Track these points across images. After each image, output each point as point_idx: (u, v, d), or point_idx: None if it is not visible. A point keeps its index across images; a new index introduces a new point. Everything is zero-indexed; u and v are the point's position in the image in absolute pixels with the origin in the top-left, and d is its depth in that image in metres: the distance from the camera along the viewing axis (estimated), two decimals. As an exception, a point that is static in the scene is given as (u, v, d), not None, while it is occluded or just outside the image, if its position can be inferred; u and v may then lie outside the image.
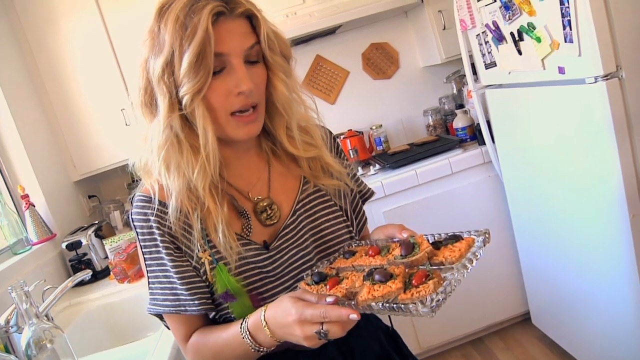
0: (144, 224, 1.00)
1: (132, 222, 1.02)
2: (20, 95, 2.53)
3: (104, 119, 2.75)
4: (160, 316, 1.06)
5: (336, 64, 3.22)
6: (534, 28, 1.87)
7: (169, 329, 1.08)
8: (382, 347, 1.13)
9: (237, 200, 1.05)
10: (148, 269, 1.02)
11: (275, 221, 1.06)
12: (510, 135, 2.42)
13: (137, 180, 3.15)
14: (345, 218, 1.13)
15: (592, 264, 2.06)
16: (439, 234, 0.96)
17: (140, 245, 1.01)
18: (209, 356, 1.01)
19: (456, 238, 0.92)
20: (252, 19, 0.95)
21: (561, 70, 1.83)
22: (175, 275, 0.98)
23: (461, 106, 3.02)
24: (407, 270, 0.86)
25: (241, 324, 0.94)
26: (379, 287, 0.82)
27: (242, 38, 0.93)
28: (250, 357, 0.96)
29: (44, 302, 1.66)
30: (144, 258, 1.02)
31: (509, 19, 1.99)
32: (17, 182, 2.41)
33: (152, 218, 0.99)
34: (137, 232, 1.01)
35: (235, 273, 0.99)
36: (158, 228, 0.99)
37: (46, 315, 1.64)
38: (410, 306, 0.77)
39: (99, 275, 2.36)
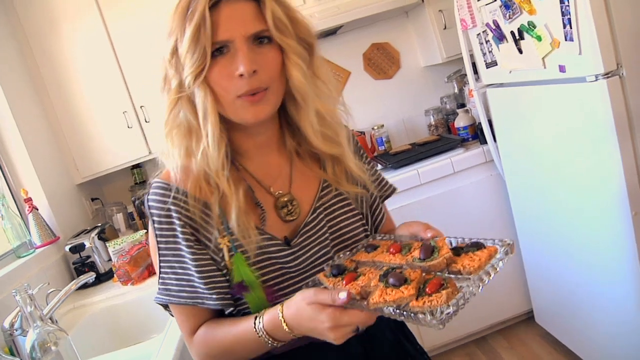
0: (162, 212, 0.98)
1: (149, 208, 1.00)
2: (23, 98, 2.54)
3: (106, 121, 2.76)
4: (165, 305, 1.05)
5: (337, 65, 3.23)
6: (535, 27, 1.87)
7: (172, 316, 1.08)
8: (394, 334, 1.13)
9: (257, 191, 1.04)
10: (162, 257, 0.99)
11: (295, 217, 1.05)
12: (511, 134, 2.42)
13: (140, 182, 3.13)
14: (361, 217, 1.12)
15: (595, 261, 2.06)
16: (462, 239, 0.94)
17: (156, 234, 0.99)
18: (217, 351, 1.00)
19: (478, 246, 0.90)
20: (259, 1, 0.93)
21: (562, 69, 1.83)
22: (193, 268, 0.97)
23: (462, 105, 3.02)
24: (423, 274, 0.85)
25: (255, 321, 0.93)
26: (392, 291, 0.81)
27: (245, 22, 0.92)
28: (262, 351, 0.96)
29: (48, 305, 1.67)
30: (159, 247, 0.99)
31: (510, 18, 1.99)
32: (20, 185, 2.42)
33: (171, 207, 0.97)
34: (153, 220, 0.99)
35: (255, 267, 0.98)
36: (178, 218, 0.97)
37: (50, 318, 1.65)
38: (420, 316, 0.77)
39: (103, 277, 2.37)
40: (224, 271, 0.99)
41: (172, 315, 1.07)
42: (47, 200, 2.45)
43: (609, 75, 1.69)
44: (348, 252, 1.02)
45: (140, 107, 2.77)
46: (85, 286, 2.26)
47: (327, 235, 1.06)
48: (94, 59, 2.71)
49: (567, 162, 2.04)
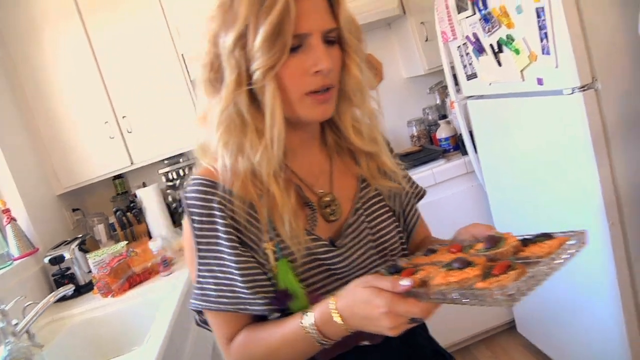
0: (203, 210, 0.92)
1: (188, 207, 0.93)
2: (2, 107, 2.52)
3: (88, 131, 2.75)
4: (198, 311, 0.99)
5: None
6: (513, 40, 1.90)
7: (200, 325, 1.03)
8: (422, 329, 1.12)
9: (303, 191, 1.00)
10: (201, 260, 0.93)
11: (337, 218, 1.01)
12: (492, 145, 2.45)
13: (122, 193, 3.09)
14: (395, 219, 1.10)
15: (575, 271, 2.08)
16: (530, 235, 0.88)
17: (196, 234, 0.93)
18: (259, 356, 0.94)
19: (547, 236, 0.84)
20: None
21: (539, 82, 1.86)
22: (236, 271, 0.91)
23: (444, 117, 3.05)
24: (489, 264, 0.79)
25: (302, 318, 0.87)
26: (455, 273, 0.76)
27: (323, 17, 0.89)
28: (309, 353, 0.91)
29: (25, 318, 1.65)
30: (198, 248, 0.93)
31: (489, 32, 2.02)
32: (-1, 196, 2.39)
33: (215, 205, 0.92)
34: (192, 219, 0.93)
35: (302, 269, 0.94)
36: (222, 217, 0.91)
37: (27, 332, 1.63)
38: (487, 292, 0.70)
39: (82, 289, 2.34)
40: (270, 275, 0.93)
41: (199, 324, 1.02)
42: (26, 211, 2.42)
43: (585, 88, 1.72)
44: (405, 258, 0.97)
45: (122, 117, 2.75)
46: (64, 298, 2.23)
47: (368, 236, 1.03)
48: (76, 68, 2.69)
49: (547, 173, 2.06)
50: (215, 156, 0.95)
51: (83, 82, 2.71)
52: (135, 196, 2.91)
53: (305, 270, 0.94)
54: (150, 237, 2.79)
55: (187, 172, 3.03)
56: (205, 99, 0.96)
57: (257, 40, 0.85)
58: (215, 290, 0.93)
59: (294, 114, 0.93)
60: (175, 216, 2.99)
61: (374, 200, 1.07)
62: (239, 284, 0.91)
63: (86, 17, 2.68)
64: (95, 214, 2.97)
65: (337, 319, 0.83)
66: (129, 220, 2.81)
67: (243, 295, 0.91)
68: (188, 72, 2.76)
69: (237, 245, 0.92)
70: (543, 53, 1.78)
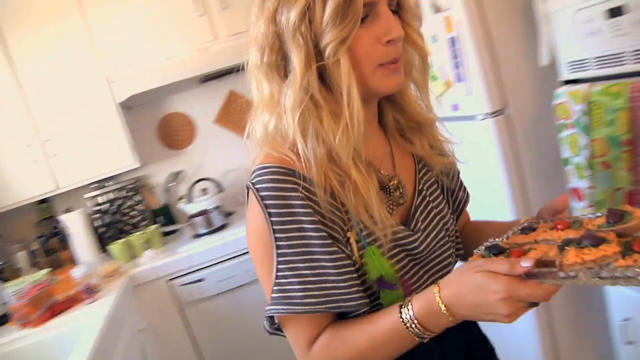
0: (283, 202, 0.83)
1: (263, 200, 0.84)
2: None
3: (9, 155, 2.65)
4: (271, 318, 0.90)
5: (250, 100, 3.25)
6: (431, 67, 1.98)
7: (273, 333, 0.93)
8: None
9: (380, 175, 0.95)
10: (280, 258, 0.85)
11: (404, 201, 0.97)
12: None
13: (47, 218, 2.97)
14: (445, 198, 1.07)
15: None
16: None
17: (274, 229, 0.84)
18: (347, 356, 0.85)
19: None
20: None
21: (455, 107, 1.95)
22: (328, 264, 0.83)
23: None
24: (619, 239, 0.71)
25: (400, 311, 0.80)
26: (590, 250, 0.67)
27: None
28: (404, 349, 0.84)
29: None
30: (278, 245, 0.84)
31: (409, 59, 2.10)
32: None
33: (297, 195, 0.83)
34: (270, 213, 0.84)
35: (387, 256, 0.88)
36: (305, 206, 0.83)
37: None
38: (638, 271, 0.62)
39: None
40: (357, 266, 0.87)
41: (272, 332, 0.93)
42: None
43: (496, 114, 1.82)
44: (497, 239, 0.87)
45: (46, 140, 2.68)
46: (-24, 332, 2.12)
47: (437, 219, 1.00)
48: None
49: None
50: (283, 143, 0.88)
51: (4, 105, 2.62)
52: (59, 222, 2.82)
53: (388, 258, 0.89)
54: (75, 264, 2.71)
55: (115, 196, 2.97)
56: (265, 85, 0.90)
57: (327, 13, 0.80)
58: (301, 290, 0.84)
59: (367, 88, 0.88)
60: (102, 241, 2.91)
61: (431, 181, 1.05)
62: (332, 278, 0.84)
63: (9, 40, 2.60)
64: (16, 240, 2.85)
65: (443, 309, 0.76)
66: (53, 247, 2.71)
67: (337, 291, 0.84)
68: (114, 95, 2.72)
69: (326, 234, 0.84)
70: (457, 80, 1.87)
